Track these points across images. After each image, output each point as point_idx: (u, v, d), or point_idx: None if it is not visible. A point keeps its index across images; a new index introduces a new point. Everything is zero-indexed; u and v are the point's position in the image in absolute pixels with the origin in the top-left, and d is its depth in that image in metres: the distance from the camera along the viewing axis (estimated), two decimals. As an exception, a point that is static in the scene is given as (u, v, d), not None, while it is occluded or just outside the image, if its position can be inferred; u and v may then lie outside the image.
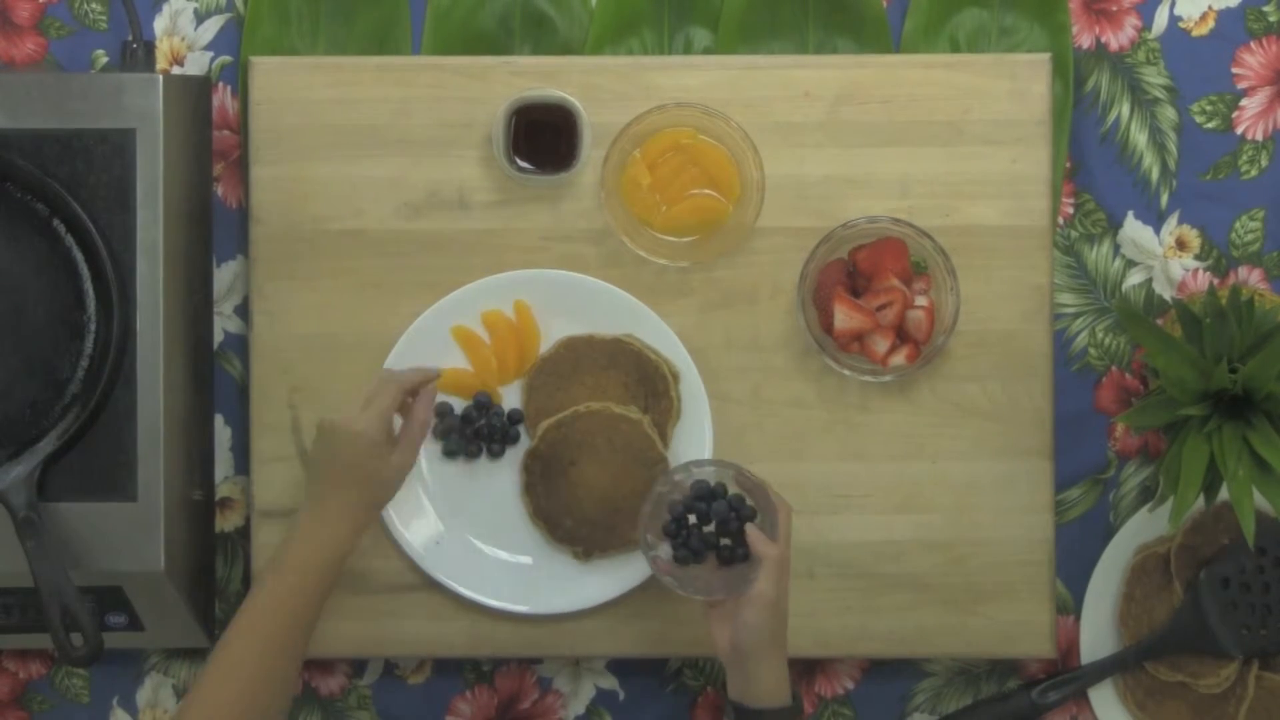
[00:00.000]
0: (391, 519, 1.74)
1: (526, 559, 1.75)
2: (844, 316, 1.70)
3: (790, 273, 1.73)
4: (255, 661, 1.56)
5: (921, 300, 1.70)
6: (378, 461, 1.63)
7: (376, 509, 1.66)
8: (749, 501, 1.65)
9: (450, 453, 1.75)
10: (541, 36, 1.79)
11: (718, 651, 1.62)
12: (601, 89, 1.74)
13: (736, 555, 1.65)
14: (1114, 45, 1.79)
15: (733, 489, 1.66)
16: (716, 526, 1.66)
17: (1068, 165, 1.78)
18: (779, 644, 1.60)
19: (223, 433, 1.79)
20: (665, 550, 1.66)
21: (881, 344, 1.70)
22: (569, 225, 1.75)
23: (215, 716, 1.54)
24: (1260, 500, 1.69)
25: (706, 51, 1.79)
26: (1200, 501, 1.63)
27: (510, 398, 1.75)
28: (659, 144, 1.72)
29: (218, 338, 1.79)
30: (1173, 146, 1.79)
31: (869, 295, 1.71)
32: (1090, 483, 1.79)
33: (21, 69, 1.78)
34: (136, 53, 1.74)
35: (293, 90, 1.75)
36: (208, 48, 1.79)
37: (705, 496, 1.66)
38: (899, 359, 1.70)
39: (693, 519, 1.66)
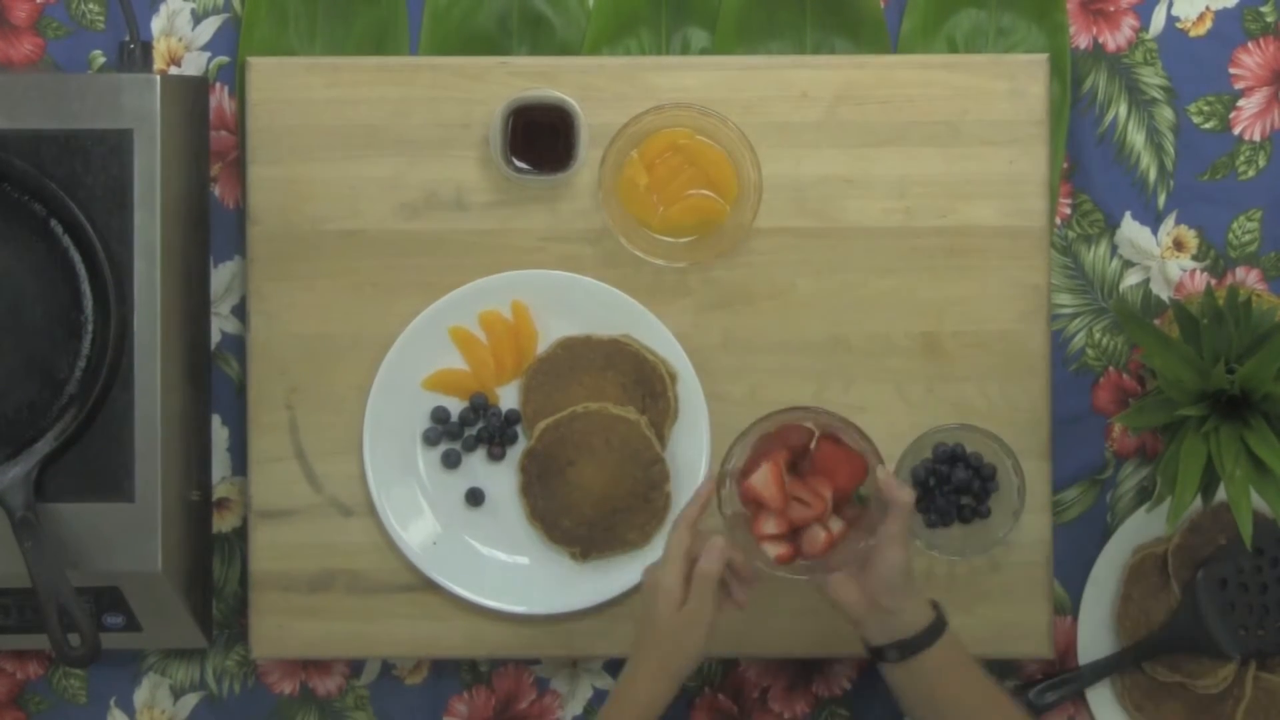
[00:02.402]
0: (389, 519, 1.74)
1: (524, 559, 1.75)
2: (765, 480, 1.60)
3: (788, 273, 1.74)
4: None
5: (834, 526, 1.61)
6: (672, 614, 1.59)
7: (677, 673, 1.60)
8: (987, 459, 1.71)
9: (450, 464, 1.75)
10: (539, 37, 1.79)
11: (851, 611, 1.59)
12: (599, 89, 1.74)
13: (979, 513, 1.72)
14: (1111, 45, 1.79)
15: (970, 447, 1.72)
16: (958, 487, 1.72)
17: (1065, 165, 1.78)
18: (913, 571, 1.61)
19: (220, 433, 1.79)
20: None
21: (770, 525, 1.61)
22: (566, 226, 1.75)
23: None
24: (1258, 501, 1.69)
25: (704, 52, 1.79)
26: (1198, 502, 1.63)
27: (508, 398, 1.75)
28: (656, 144, 1.72)
29: (215, 338, 1.79)
30: (1170, 147, 1.79)
31: (797, 482, 1.62)
32: (1088, 483, 1.79)
33: (19, 69, 1.78)
34: (134, 53, 1.74)
35: (290, 90, 1.75)
36: (205, 48, 1.79)
37: (947, 460, 1.71)
38: (774, 550, 1.61)
39: (933, 482, 1.72)
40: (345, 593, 1.74)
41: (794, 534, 1.61)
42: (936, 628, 1.60)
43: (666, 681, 1.60)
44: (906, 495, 1.58)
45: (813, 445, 1.62)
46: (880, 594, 1.58)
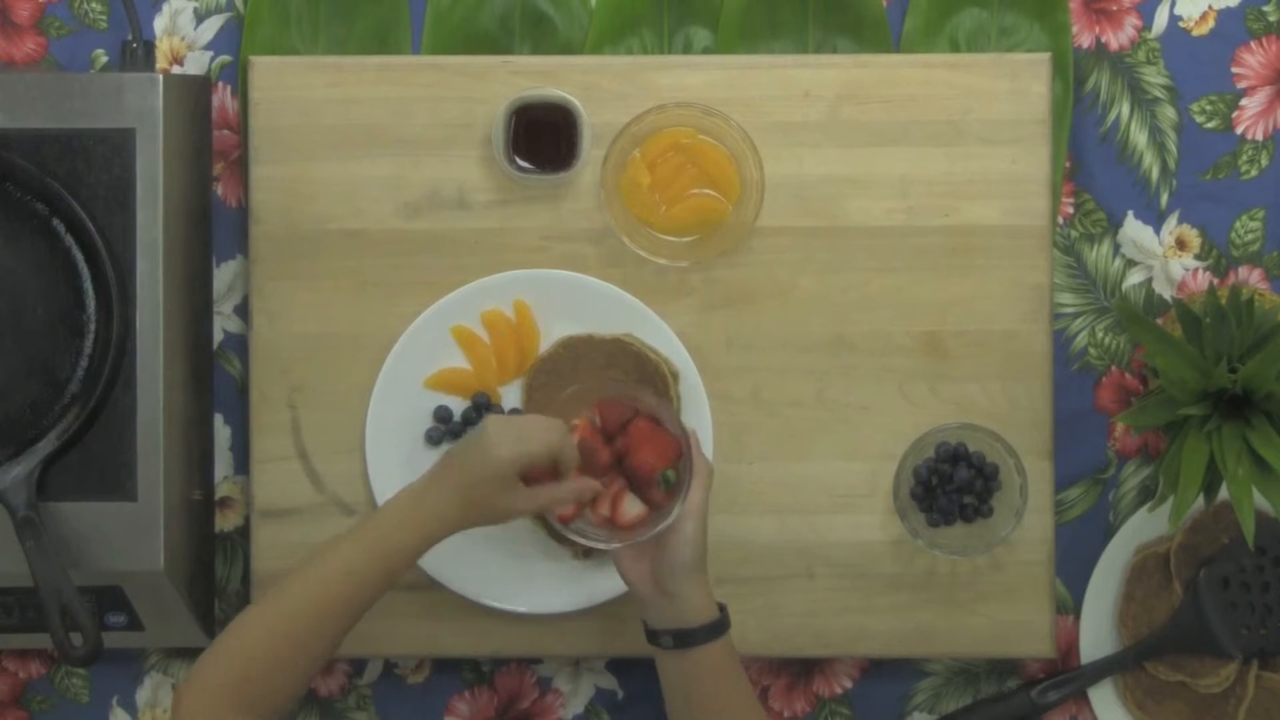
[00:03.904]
0: (391, 519, 1.74)
1: (525, 558, 1.75)
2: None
3: (790, 272, 1.74)
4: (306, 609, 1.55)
5: (630, 509, 1.63)
6: (498, 492, 1.57)
7: (466, 525, 1.59)
8: (989, 459, 1.71)
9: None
10: (541, 36, 1.79)
11: (636, 589, 1.61)
12: (601, 89, 1.74)
13: (981, 512, 1.73)
14: (1114, 45, 1.79)
15: (972, 447, 1.72)
16: (960, 486, 1.72)
17: (1067, 165, 1.78)
18: (705, 557, 1.61)
19: (222, 432, 1.79)
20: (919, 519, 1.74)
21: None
22: (569, 225, 1.75)
23: (255, 647, 1.53)
24: (1260, 500, 1.69)
25: (706, 51, 1.79)
26: (1200, 501, 1.64)
27: (510, 398, 1.75)
28: (659, 144, 1.72)
29: (217, 337, 1.79)
30: (1173, 146, 1.79)
31: (611, 448, 1.64)
32: (1090, 482, 1.79)
33: (21, 68, 1.79)
34: (136, 52, 1.74)
35: (292, 90, 1.75)
36: (207, 47, 1.79)
37: (949, 459, 1.72)
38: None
39: (935, 481, 1.72)
40: (347, 592, 1.74)
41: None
42: (718, 627, 1.61)
43: (450, 528, 1.57)
44: (704, 463, 1.60)
45: (629, 422, 1.63)
46: (665, 575, 1.59)
